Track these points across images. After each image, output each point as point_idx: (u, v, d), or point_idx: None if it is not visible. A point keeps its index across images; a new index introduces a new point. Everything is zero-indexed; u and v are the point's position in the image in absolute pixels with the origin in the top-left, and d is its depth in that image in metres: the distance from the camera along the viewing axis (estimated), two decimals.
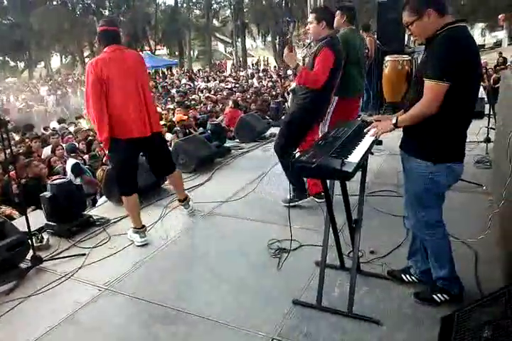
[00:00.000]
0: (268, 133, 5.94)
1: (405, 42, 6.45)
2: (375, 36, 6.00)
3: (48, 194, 3.31)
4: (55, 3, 30.56)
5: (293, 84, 3.70)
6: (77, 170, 5.28)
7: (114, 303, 2.42)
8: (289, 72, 19.09)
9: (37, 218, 3.40)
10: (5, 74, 31.46)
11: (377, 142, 2.11)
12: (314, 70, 2.99)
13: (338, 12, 3.77)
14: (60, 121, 8.72)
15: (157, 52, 29.48)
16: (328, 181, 2.04)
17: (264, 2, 26.25)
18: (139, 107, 2.80)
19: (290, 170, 3.27)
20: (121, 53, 2.76)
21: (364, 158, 1.84)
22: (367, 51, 5.06)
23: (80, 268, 2.82)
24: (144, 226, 3.12)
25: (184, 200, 3.47)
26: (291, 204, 3.27)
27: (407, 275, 2.29)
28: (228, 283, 2.51)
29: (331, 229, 2.20)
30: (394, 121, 1.96)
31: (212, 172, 4.60)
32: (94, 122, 2.76)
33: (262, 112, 7.59)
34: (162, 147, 3.17)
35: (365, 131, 2.09)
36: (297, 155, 1.87)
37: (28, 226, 2.86)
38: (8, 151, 6.06)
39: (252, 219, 3.39)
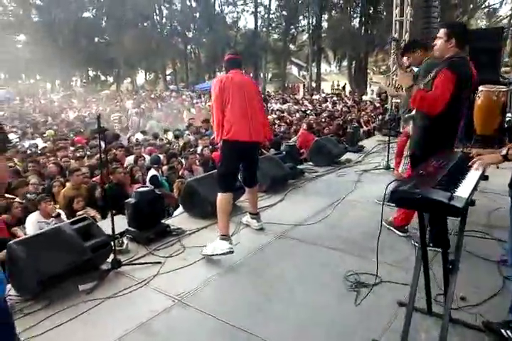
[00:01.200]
0: (344, 158, 5.81)
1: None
2: None
3: (132, 200, 3.47)
4: (146, 24, 33.24)
5: (413, 111, 3.38)
6: (154, 182, 5.54)
7: (186, 316, 2.42)
8: (364, 97, 18.84)
9: (117, 222, 3.58)
10: (96, 88, 34.53)
11: (484, 177, 1.94)
12: (431, 93, 2.68)
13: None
14: (144, 133, 9.30)
15: None
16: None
17: (342, 27, 26.40)
18: (246, 117, 3.19)
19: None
20: (240, 75, 3.32)
21: (473, 193, 1.69)
22: None
23: (155, 276, 2.89)
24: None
25: (257, 214, 3.65)
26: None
27: (509, 332, 2.03)
28: (301, 312, 2.40)
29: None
30: (504, 152, 1.79)
31: (285, 194, 4.56)
32: (214, 126, 3.31)
33: (337, 136, 7.50)
34: (257, 160, 3.51)
35: (470, 163, 1.94)
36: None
37: (113, 230, 3.00)
38: (97, 157, 6.54)
39: (326, 246, 3.27)
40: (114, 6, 31.03)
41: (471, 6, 25.16)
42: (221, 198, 3.19)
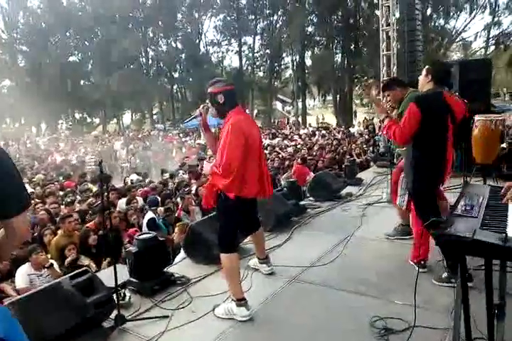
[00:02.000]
0: (344, 191, 5.72)
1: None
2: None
3: (133, 249, 3.25)
4: (132, 66, 33.95)
5: (404, 148, 3.38)
6: (152, 225, 5.32)
7: None
8: (352, 129, 19.16)
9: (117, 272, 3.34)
10: (83, 129, 34.50)
11: None
12: (398, 124, 2.87)
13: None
14: (138, 174, 9.11)
15: None
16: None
17: (326, 63, 27.32)
18: (260, 169, 2.81)
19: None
20: (248, 116, 2.93)
21: None
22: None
23: (163, 333, 2.64)
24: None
25: (266, 258, 3.39)
26: (444, 284, 2.98)
27: None
28: None
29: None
30: None
31: (291, 232, 4.39)
32: (225, 178, 2.62)
33: (333, 170, 7.45)
34: (256, 205, 3.12)
35: (506, 199, 1.84)
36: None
37: (116, 283, 2.77)
38: (89, 201, 6.31)
39: (343, 289, 3.08)
40: (100, 49, 31.76)
41: (446, 39, 26.55)
42: (228, 260, 2.74)
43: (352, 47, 27.70)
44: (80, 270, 2.85)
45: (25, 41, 33.17)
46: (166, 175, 8.81)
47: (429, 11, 24.80)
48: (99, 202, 5.26)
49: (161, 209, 5.94)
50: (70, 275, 2.76)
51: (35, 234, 5.09)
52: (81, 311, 2.54)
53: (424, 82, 2.99)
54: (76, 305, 2.55)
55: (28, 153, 16.78)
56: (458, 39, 27.75)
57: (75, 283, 2.65)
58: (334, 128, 20.27)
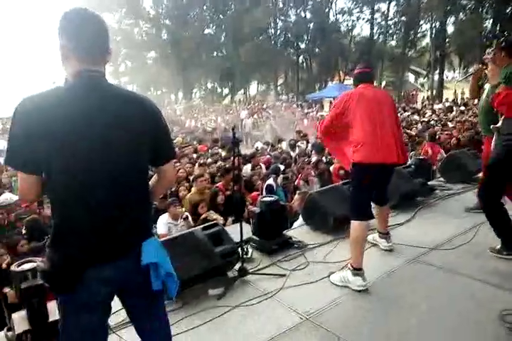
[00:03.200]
0: (481, 174, 5.13)
1: None
2: None
3: (257, 209, 3.49)
4: (261, 37, 34.63)
5: (500, 122, 3.04)
6: (270, 191, 5.57)
7: (317, 338, 2.30)
8: None
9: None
10: (213, 99, 37.05)
11: None
12: None
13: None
14: (265, 143, 9.56)
15: (345, 82, 30.03)
16: None
17: (472, 30, 23.93)
18: (387, 136, 2.78)
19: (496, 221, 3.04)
20: (373, 89, 2.97)
21: None
22: None
23: (280, 288, 2.83)
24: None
25: (387, 234, 3.35)
26: (498, 255, 3.07)
27: None
28: None
29: None
30: None
31: (414, 212, 4.17)
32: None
33: (470, 150, 6.69)
34: (390, 178, 3.09)
35: None
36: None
37: (241, 238, 3.02)
38: (219, 164, 6.85)
39: (471, 276, 2.86)
40: (232, 21, 33.04)
41: None
42: (357, 227, 2.78)
43: (508, 10, 23.62)
44: (211, 223, 3.19)
45: (169, 16, 36.27)
46: (284, 145, 8.98)
47: None
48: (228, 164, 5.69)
49: (280, 176, 6.16)
50: (202, 226, 3.12)
51: (173, 189, 5.77)
52: (210, 259, 2.86)
53: None
54: (207, 254, 2.87)
55: (168, 119, 18.73)
56: None
57: (206, 234, 2.98)
58: (475, 104, 17.89)
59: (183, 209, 5.06)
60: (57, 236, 1.36)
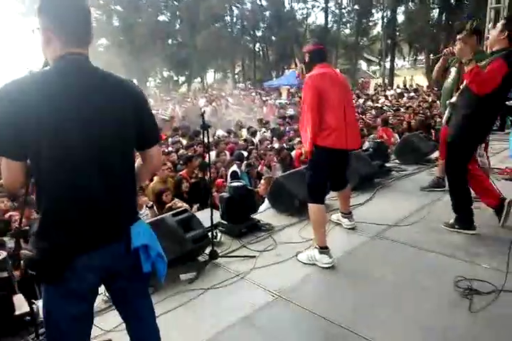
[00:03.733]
0: (434, 155, 5.45)
1: None
2: None
3: (226, 194, 3.53)
4: (217, 25, 34.09)
5: (454, 98, 3.35)
6: (234, 177, 5.64)
7: (290, 313, 2.40)
8: None
9: (208, 215, 3.64)
10: (169, 87, 36.17)
11: None
12: (484, 72, 2.78)
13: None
14: (227, 131, 9.53)
15: None
16: None
17: (419, 20, 24.90)
18: (341, 121, 2.83)
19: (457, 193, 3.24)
20: (334, 71, 2.99)
21: None
22: None
23: (251, 269, 2.91)
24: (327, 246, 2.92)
25: (349, 213, 3.50)
26: (451, 229, 3.32)
27: None
28: (409, 317, 2.28)
29: None
30: None
31: (373, 193, 4.38)
32: (306, 131, 2.85)
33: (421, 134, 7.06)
34: (348, 162, 3.19)
35: None
36: None
37: (212, 222, 3.07)
38: (180, 152, 6.79)
39: (427, 249, 3.07)
40: (187, 8, 32.21)
41: None
42: (315, 209, 2.90)
43: (452, 0, 24.75)
44: (180, 209, 3.19)
45: (120, 1, 34.72)
46: (244, 132, 9.03)
47: None
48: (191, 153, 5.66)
49: (244, 163, 6.23)
50: (172, 212, 3.12)
51: None
52: (182, 245, 2.88)
53: (498, 39, 2.91)
54: (178, 240, 2.89)
55: None
56: None
57: (177, 220, 2.99)
58: (426, 91, 18.78)
59: (146, 198, 5.00)
60: (45, 224, 1.33)
